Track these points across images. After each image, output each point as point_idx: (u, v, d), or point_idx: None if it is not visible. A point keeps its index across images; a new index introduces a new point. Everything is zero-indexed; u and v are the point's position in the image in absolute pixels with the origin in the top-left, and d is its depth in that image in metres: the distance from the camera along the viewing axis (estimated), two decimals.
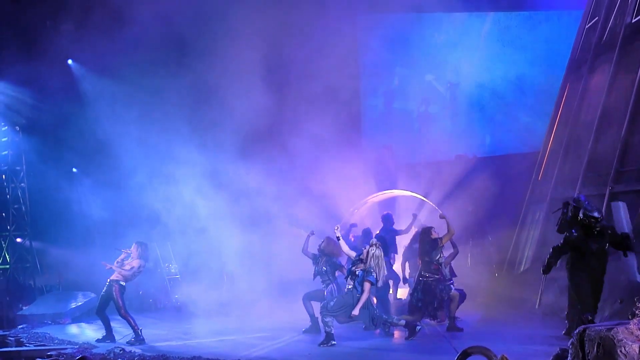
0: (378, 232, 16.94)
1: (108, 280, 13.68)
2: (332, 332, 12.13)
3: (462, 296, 14.47)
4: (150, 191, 18.51)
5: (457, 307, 13.85)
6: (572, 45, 18.91)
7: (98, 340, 13.54)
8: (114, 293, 13.50)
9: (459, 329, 13.18)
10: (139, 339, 13.26)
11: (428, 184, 20.73)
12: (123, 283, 13.61)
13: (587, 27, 18.05)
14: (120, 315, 13.55)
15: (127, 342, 13.24)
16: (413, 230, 16.52)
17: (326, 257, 13.85)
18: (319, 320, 12.56)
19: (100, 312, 13.77)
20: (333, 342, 12.06)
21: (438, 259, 13.46)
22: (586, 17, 18.29)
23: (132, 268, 13.62)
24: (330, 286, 13.73)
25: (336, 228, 12.73)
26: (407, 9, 21.79)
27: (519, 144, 20.89)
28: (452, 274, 14.36)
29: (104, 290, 13.76)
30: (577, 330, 7.39)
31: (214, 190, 18.18)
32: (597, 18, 17.41)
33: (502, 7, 22.44)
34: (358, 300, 12.09)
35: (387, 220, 16.85)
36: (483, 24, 22.16)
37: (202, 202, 18.00)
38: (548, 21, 22.20)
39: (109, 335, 13.68)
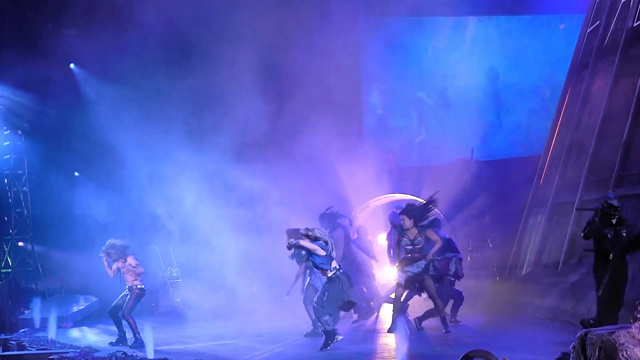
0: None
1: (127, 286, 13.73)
2: (332, 328, 11.97)
3: (460, 298, 14.54)
4: (152, 195, 18.56)
5: (457, 310, 14.00)
6: (574, 49, 18.92)
7: (112, 344, 13.60)
8: (133, 295, 13.55)
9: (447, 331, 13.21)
10: (138, 342, 13.30)
11: (429, 187, 20.72)
12: (141, 285, 13.66)
13: (588, 31, 18.06)
14: (123, 315, 13.59)
15: (130, 346, 13.29)
16: None
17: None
18: (316, 319, 12.44)
19: (113, 312, 13.86)
20: (339, 337, 11.93)
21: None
22: (588, 21, 18.30)
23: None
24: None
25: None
26: (408, 13, 21.81)
27: (520, 148, 20.92)
28: (457, 274, 14.38)
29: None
30: (578, 334, 7.39)
31: (215, 194, 18.22)
32: (598, 22, 17.43)
33: (503, 11, 22.45)
34: (343, 285, 12.04)
35: (396, 217, 16.92)
36: (485, 27, 22.18)
37: (204, 206, 18.03)
38: (549, 25, 22.22)
39: (123, 338, 13.74)
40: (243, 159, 18.94)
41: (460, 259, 14.75)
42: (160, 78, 19.08)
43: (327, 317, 12.00)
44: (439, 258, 14.65)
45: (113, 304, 13.95)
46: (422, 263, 13.28)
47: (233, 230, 17.69)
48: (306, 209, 18.52)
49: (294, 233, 13.78)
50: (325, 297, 12.04)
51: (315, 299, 12.21)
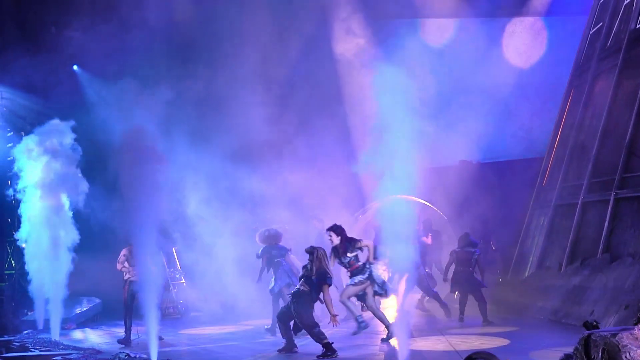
0: None
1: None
2: (328, 340, 11.87)
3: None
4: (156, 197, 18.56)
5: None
6: (576, 51, 18.91)
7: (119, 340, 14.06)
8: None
9: None
10: (127, 339, 13.90)
11: (432, 189, 20.71)
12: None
13: (591, 32, 18.05)
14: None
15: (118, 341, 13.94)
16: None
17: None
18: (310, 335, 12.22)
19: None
20: (337, 355, 11.80)
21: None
22: (590, 22, 18.29)
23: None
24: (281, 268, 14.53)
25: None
26: (411, 15, 21.79)
27: (523, 150, 20.89)
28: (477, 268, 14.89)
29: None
30: (581, 336, 7.40)
31: (218, 197, 18.24)
32: (601, 24, 17.42)
33: (506, 13, 22.42)
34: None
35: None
36: (488, 29, 22.14)
37: (208, 208, 18.05)
38: (552, 27, 22.20)
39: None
40: (246, 161, 18.96)
41: (479, 255, 15.15)
42: (166, 81, 19.08)
43: (317, 329, 12.00)
44: (458, 250, 15.02)
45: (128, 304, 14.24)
46: (364, 271, 13.19)
47: (236, 232, 17.71)
48: (309, 211, 18.55)
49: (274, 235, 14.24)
50: (311, 312, 12.19)
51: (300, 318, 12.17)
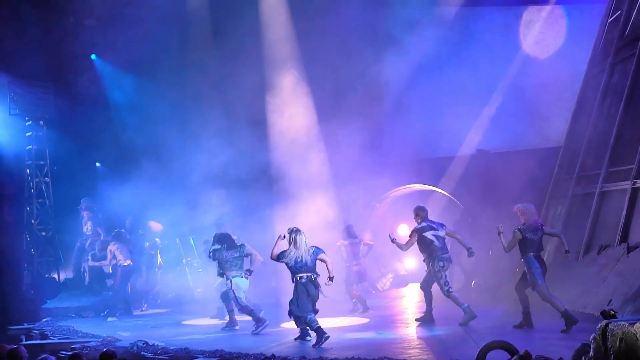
0: None
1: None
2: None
3: None
4: (172, 186, 18.68)
5: None
6: (594, 40, 18.80)
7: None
8: None
9: None
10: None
11: (449, 178, 20.69)
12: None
13: (609, 21, 17.95)
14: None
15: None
16: None
17: None
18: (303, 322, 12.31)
19: None
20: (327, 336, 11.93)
21: None
22: (608, 11, 18.19)
23: None
24: None
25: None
26: (427, 3, 21.73)
27: (540, 139, 20.76)
28: None
29: None
30: (599, 325, 7.39)
31: (235, 183, 18.32)
32: (619, 12, 17.31)
33: (524, 1, 22.29)
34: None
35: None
36: (505, 18, 22.02)
37: (224, 196, 18.11)
38: (570, 16, 22.06)
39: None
40: (264, 147, 19.03)
41: None
42: (185, 70, 19.19)
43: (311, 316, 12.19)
44: None
45: None
46: None
47: (252, 219, 17.77)
48: (325, 200, 18.58)
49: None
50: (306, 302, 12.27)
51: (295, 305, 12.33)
